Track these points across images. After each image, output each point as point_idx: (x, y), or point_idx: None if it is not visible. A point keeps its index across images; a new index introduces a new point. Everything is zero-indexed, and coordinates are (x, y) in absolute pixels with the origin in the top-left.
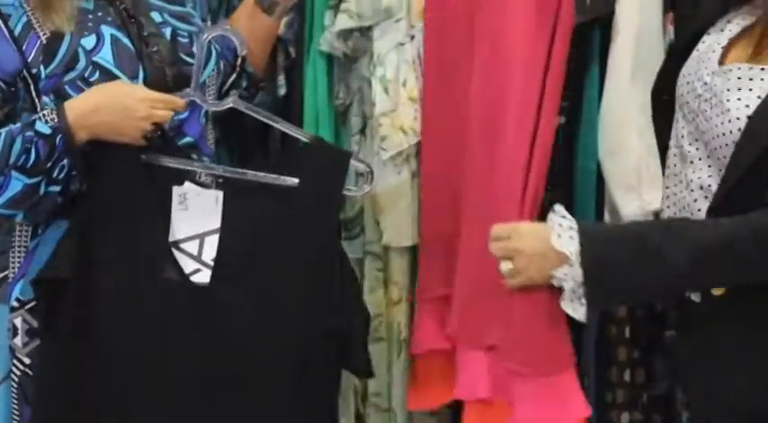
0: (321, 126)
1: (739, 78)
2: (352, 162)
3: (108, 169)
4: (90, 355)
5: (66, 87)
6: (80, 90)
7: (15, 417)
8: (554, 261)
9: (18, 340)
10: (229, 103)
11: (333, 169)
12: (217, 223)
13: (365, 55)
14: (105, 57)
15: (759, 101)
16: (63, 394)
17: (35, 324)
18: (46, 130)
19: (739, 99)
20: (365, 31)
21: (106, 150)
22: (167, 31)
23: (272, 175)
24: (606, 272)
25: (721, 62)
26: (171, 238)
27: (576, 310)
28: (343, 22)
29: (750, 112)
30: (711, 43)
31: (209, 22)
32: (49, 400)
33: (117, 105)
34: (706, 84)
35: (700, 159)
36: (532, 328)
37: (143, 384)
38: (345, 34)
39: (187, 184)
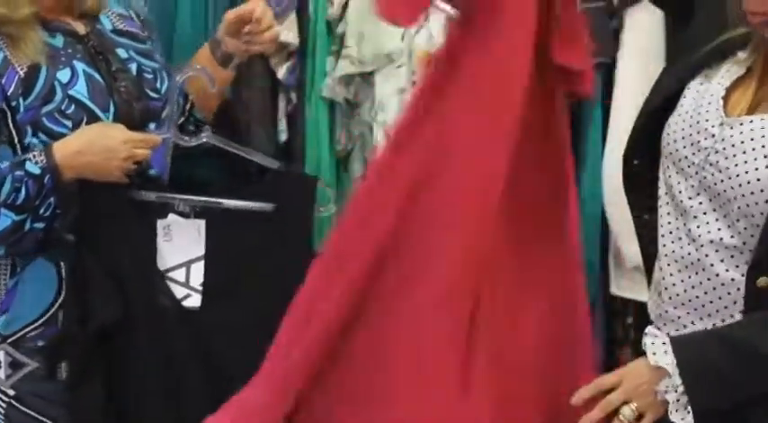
0: (323, 171)
1: (761, 129)
2: (319, 185)
3: (97, 207)
4: (109, 383)
5: (44, 119)
6: (57, 122)
7: None
8: (655, 378)
9: (1, 373)
10: (203, 138)
11: (304, 193)
12: (201, 250)
13: (367, 100)
14: (80, 90)
15: None
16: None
17: (18, 357)
18: (35, 170)
19: (758, 148)
20: (367, 77)
21: (95, 189)
22: (133, 67)
23: (249, 203)
24: (705, 375)
25: (726, 113)
26: (161, 268)
27: (685, 418)
28: (345, 67)
29: None
30: (702, 94)
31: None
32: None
33: (101, 147)
34: (714, 135)
35: (705, 214)
36: None
37: (148, 406)
38: (347, 80)
39: (171, 215)
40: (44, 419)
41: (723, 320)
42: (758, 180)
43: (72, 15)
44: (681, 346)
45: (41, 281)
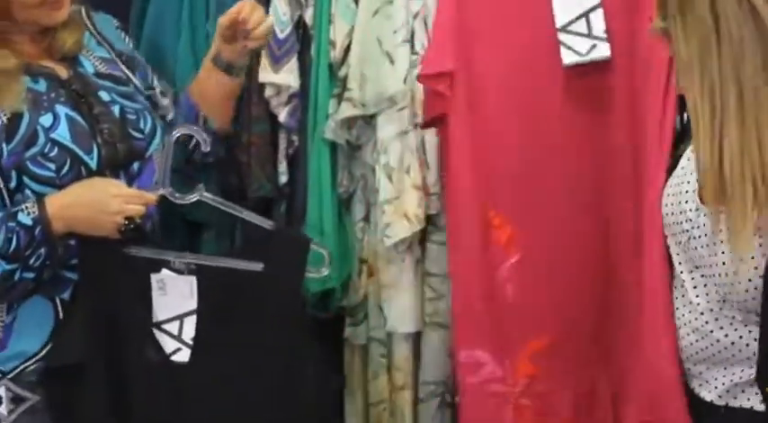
0: (324, 213)
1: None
2: (313, 246)
3: (92, 261)
4: None
5: (28, 163)
6: (41, 165)
7: None
8: None
9: (3, 409)
10: (195, 196)
11: (295, 254)
12: (194, 305)
13: (369, 143)
14: (62, 134)
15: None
16: None
17: (19, 391)
18: (27, 221)
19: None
20: (369, 120)
21: (90, 244)
22: (116, 109)
23: (240, 261)
24: None
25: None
26: (154, 319)
27: None
28: (347, 110)
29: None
30: (686, 168)
31: (156, 85)
32: None
33: (92, 200)
34: (690, 220)
35: (695, 287)
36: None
37: None
38: (349, 122)
39: (164, 270)
40: None
41: (742, 370)
42: (734, 273)
43: (53, 59)
44: None
45: (38, 316)
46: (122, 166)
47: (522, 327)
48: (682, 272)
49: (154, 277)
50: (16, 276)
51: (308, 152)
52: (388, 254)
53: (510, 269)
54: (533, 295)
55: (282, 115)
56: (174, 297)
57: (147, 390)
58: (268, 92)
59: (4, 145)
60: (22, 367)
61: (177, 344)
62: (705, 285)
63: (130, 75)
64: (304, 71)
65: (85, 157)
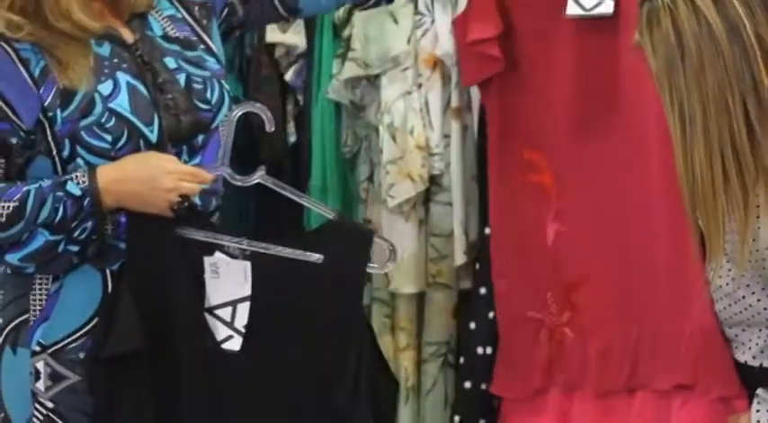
0: (329, 173)
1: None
2: (375, 239)
3: (142, 239)
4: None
5: (82, 133)
6: (96, 136)
7: None
8: None
9: (41, 384)
10: (257, 178)
11: (357, 247)
12: (248, 291)
13: (372, 103)
14: (122, 103)
15: None
16: None
17: (59, 368)
18: (76, 191)
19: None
20: (372, 80)
21: (140, 221)
22: (182, 78)
23: (297, 251)
24: None
25: None
26: (206, 305)
27: None
28: (351, 70)
29: None
30: None
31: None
32: None
33: (145, 175)
34: None
35: (725, 254)
36: None
37: None
38: (353, 83)
39: (217, 253)
40: None
41: None
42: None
43: (121, 20)
44: None
45: (85, 288)
46: (185, 139)
47: (566, 264)
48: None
49: (207, 260)
50: (60, 248)
51: (312, 112)
52: (391, 214)
53: (554, 213)
54: (573, 235)
55: (289, 75)
56: (228, 282)
57: (198, 377)
58: (278, 52)
59: (58, 111)
60: (64, 342)
61: (229, 331)
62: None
63: (203, 34)
64: (308, 32)
65: (145, 130)
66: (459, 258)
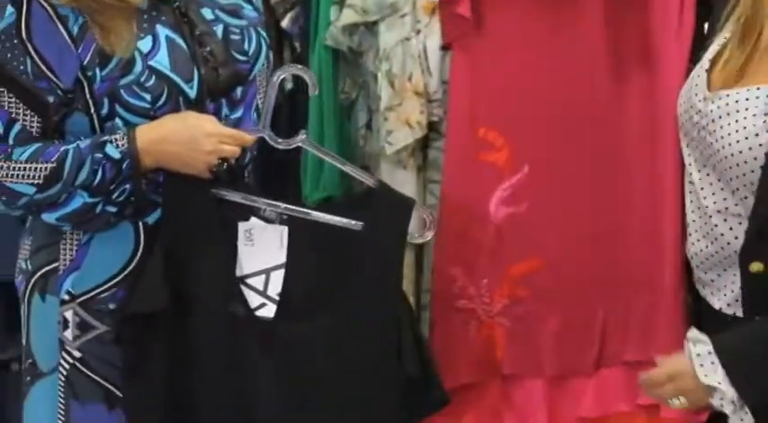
0: (326, 120)
1: (736, 102)
2: (415, 209)
3: (180, 202)
4: (169, 385)
5: (122, 91)
6: (135, 95)
7: (61, 411)
8: (705, 393)
9: (68, 333)
10: (298, 142)
11: (397, 216)
12: (282, 258)
13: (371, 50)
14: (161, 61)
15: (758, 126)
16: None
17: (88, 318)
18: (116, 154)
19: (737, 122)
20: (370, 26)
21: (178, 182)
22: (219, 29)
23: (337, 218)
24: (757, 382)
25: (710, 86)
26: (238, 273)
27: (744, 418)
28: (349, 16)
29: (749, 136)
30: (697, 70)
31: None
32: None
33: (185, 137)
34: (700, 111)
35: (711, 184)
36: None
37: (218, 414)
38: (351, 29)
39: (253, 219)
40: (108, 386)
41: None
42: (740, 152)
43: None
44: (729, 358)
45: (118, 238)
46: (223, 92)
47: (514, 247)
48: (692, 173)
49: (242, 226)
50: (97, 209)
51: (310, 59)
52: (390, 161)
53: (506, 190)
54: (529, 217)
55: (285, 22)
56: (262, 249)
57: (229, 344)
58: None
59: (97, 70)
60: (94, 292)
61: (262, 299)
62: (712, 184)
63: None
64: None
65: (185, 87)
66: None
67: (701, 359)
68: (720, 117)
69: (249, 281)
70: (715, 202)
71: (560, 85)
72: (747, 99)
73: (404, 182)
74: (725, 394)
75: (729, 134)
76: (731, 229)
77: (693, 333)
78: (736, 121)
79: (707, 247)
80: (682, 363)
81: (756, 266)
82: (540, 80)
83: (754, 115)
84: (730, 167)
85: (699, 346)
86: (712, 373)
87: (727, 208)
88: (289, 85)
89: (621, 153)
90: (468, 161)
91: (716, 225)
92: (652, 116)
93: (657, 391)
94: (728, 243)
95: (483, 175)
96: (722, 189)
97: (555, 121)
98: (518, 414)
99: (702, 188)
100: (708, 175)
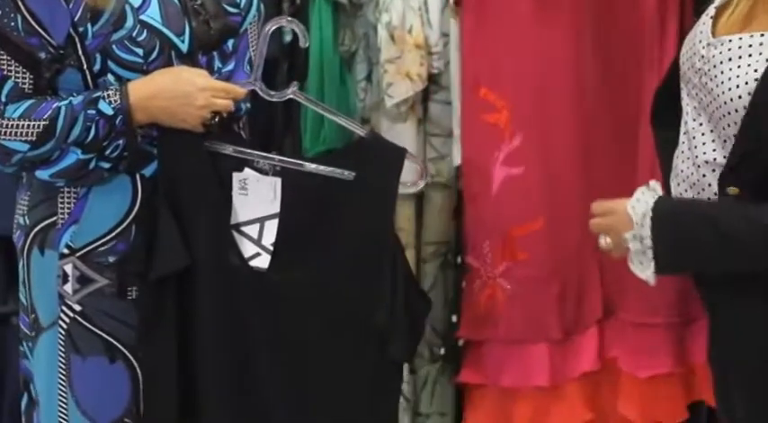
0: (326, 72)
1: (739, 48)
2: (407, 158)
3: (174, 157)
4: (176, 339)
5: (114, 47)
6: (128, 50)
7: (62, 364)
8: (627, 225)
9: (68, 287)
10: (289, 94)
11: (388, 165)
12: (276, 208)
13: (371, 2)
14: (153, 15)
15: (760, 71)
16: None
17: (87, 271)
18: (108, 110)
19: (739, 67)
20: None
21: (171, 137)
22: None
23: (329, 168)
24: (675, 240)
25: (714, 33)
26: (233, 221)
27: (642, 270)
28: None
29: (748, 81)
30: (703, 18)
31: None
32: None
33: (178, 92)
34: (703, 57)
35: (703, 134)
36: None
37: (214, 365)
38: None
39: (247, 169)
40: (110, 339)
41: None
42: (740, 97)
43: None
44: (662, 207)
45: (115, 191)
46: (215, 46)
47: (513, 209)
48: (687, 122)
49: (236, 176)
50: (91, 165)
51: (310, 11)
52: (389, 114)
53: (505, 156)
54: (531, 178)
55: None
56: (256, 199)
57: (226, 294)
58: None
59: (89, 26)
60: (93, 246)
61: (256, 248)
62: (704, 135)
63: None
64: None
65: (176, 40)
66: (458, 158)
67: (638, 201)
68: (722, 62)
69: (243, 229)
70: (705, 153)
71: (562, 49)
72: (751, 45)
73: (404, 135)
74: (640, 231)
75: (730, 79)
76: (714, 170)
77: (653, 184)
78: (738, 66)
79: (694, 197)
80: (622, 202)
81: (733, 190)
82: (543, 45)
83: (757, 61)
84: (729, 113)
85: (646, 194)
86: (639, 211)
87: (715, 159)
88: (288, 38)
89: (620, 115)
90: (472, 120)
91: (704, 175)
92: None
93: (594, 221)
94: (715, 194)
95: (487, 135)
96: (713, 141)
97: (554, 86)
98: (520, 375)
99: (695, 137)
100: (702, 124)
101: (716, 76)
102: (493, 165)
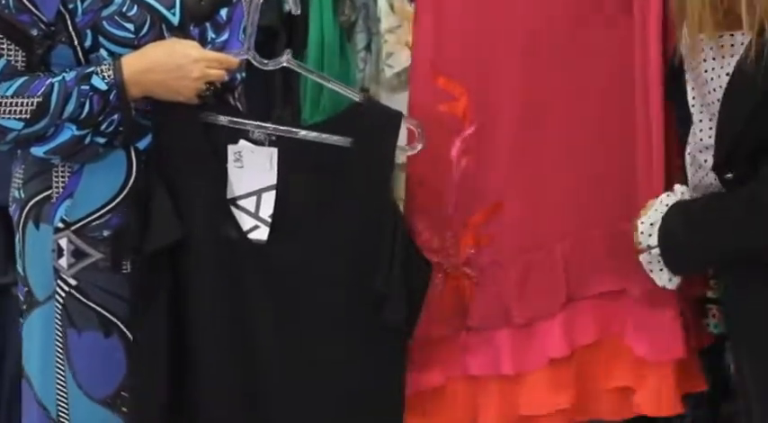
0: (326, 42)
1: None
2: (403, 121)
3: (168, 128)
4: (170, 313)
5: (104, 23)
6: (118, 25)
7: (58, 338)
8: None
9: (63, 261)
10: (283, 62)
11: (385, 129)
12: (273, 180)
13: None
14: None
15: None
16: (161, 349)
17: (82, 246)
18: (102, 85)
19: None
20: None
21: (166, 109)
22: None
23: (325, 135)
24: (673, 247)
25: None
26: (229, 195)
27: (663, 279)
28: None
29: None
30: None
31: None
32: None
33: (172, 65)
34: (703, 49)
35: (701, 121)
36: None
37: (213, 338)
38: None
39: (242, 141)
40: (105, 313)
41: None
42: (720, 87)
43: None
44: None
45: (110, 165)
46: (207, 16)
47: (475, 197)
48: (693, 105)
49: (231, 149)
50: (86, 141)
51: None
52: (389, 83)
53: (464, 145)
54: (490, 165)
55: None
56: (252, 170)
57: (225, 268)
58: None
59: (78, 2)
60: (88, 220)
61: (254, 221)
62: (702, 121)
63: None
64: None
65: (167, 14)
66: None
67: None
68: (704, 61)
69: (240, 202)
70: (702, 140)
71: (523, 31)
72: (722, 46)
73: (403, 105)
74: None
75: (722, 67)
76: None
77: (681, 188)
78: (732, 55)
79: (693, 175)
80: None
81: (730, 175)
82: (504, 26)
83: (727, 74)
84: (718, 98)
85: (670, 197)
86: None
87: (712, 145)
88: (287, 7)
89: (586, 99)
90: (428, 110)
91: (705, 160)
92: (623, 65)
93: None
94: (715, 178)
95: (443, 125)
96: (711, 128)
97: (514, 70)
98: (484, 363)
99: (693, 123)
100: (701, 111)
101: (713, 69)
102: (451, 154)
